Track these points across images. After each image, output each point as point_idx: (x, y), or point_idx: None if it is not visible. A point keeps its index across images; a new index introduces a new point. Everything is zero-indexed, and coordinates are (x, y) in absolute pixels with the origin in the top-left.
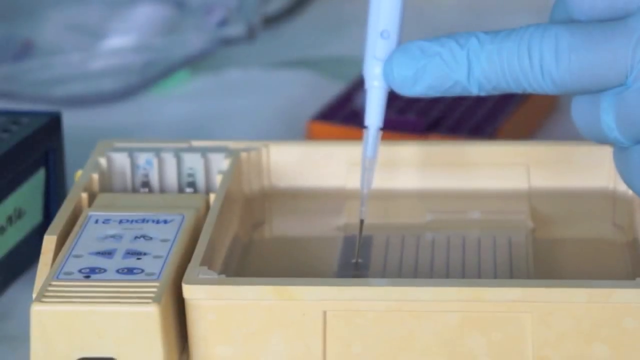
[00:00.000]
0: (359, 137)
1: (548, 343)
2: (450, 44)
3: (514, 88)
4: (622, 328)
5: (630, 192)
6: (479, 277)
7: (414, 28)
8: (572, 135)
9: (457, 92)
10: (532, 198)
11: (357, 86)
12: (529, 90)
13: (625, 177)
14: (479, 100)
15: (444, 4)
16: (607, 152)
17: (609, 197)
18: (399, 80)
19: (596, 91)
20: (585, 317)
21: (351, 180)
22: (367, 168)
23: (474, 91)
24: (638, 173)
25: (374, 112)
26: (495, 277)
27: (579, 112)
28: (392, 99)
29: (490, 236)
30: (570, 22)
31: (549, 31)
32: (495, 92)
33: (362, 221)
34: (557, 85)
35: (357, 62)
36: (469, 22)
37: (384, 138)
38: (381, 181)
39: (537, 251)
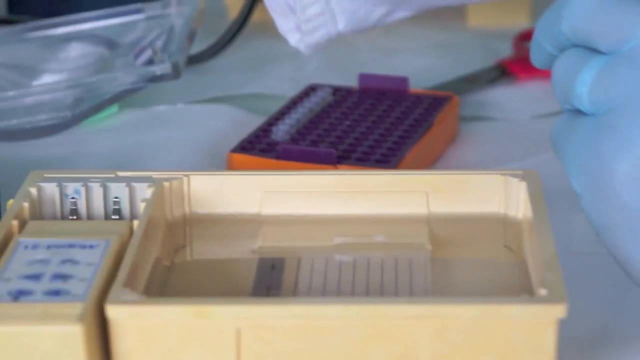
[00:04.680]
0: (274, 167)
1: (443, 355)
2: None
3: None
4: (510, 341)
5: (519, 216)
6: (382, 295)
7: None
8: (469, 164)
9: None
10: (431, 222)
11: (274, 120)
12: None
13: (559, 148)
14: (386, 133)
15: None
16: (499, 180)
17: (500, 222)
18: None
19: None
20: (477, 331)
21: (265, 207)
22: None
23: None
24: (577, 144)
25: None
26: (396, 295)
27: (565, 61)
28: (305, 132)
29: (392, 257)
30: None
31: None
32: None
33: None
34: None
35: (275, 98)
36: (382, 63)
37: (297, 168)
38: (294, 208)
39: (435, 271)
